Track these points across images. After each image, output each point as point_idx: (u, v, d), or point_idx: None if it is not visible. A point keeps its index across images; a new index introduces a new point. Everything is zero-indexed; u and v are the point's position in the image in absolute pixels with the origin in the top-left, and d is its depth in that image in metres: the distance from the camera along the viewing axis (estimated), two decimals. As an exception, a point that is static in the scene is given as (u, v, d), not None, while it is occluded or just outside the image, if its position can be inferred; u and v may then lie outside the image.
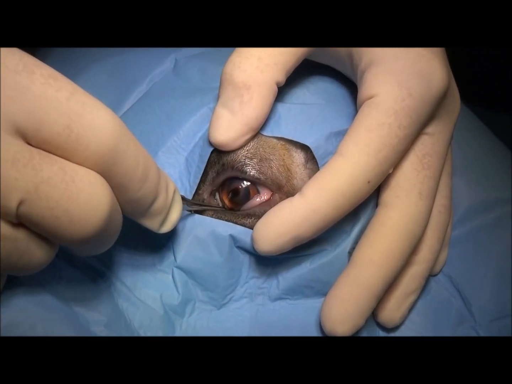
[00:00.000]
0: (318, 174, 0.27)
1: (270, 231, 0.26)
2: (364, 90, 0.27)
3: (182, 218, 0.29)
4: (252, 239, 0.28)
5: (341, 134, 0.29)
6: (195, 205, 0.29)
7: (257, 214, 0.29)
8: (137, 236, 0.29)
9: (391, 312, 0.30)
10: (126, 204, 0.24)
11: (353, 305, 0.27)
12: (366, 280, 0.27)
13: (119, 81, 0.32)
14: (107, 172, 0.22)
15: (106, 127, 0.21)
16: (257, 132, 0.29)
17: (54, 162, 0.20)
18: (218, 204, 0.30)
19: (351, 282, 0.27)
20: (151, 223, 0.25)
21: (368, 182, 0.26)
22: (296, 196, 0.27)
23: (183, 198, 0.28)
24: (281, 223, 0.26)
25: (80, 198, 0.20)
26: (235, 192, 0.29)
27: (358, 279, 0.27)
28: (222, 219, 0.29)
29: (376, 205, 0.30)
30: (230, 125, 0.27)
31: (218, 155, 0.29)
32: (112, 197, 0.22)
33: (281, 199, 0.29)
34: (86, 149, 0.21)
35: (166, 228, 0.26)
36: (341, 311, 0.27)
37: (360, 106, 0.28)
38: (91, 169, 0.21)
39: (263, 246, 0.27)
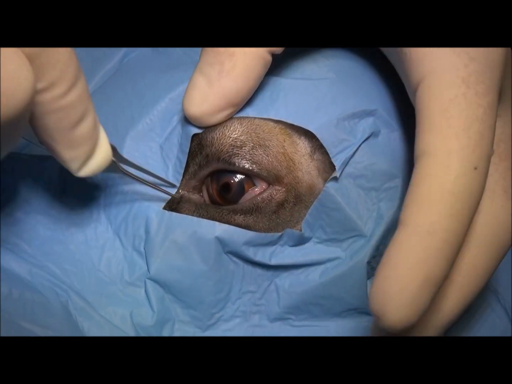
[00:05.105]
0: (409, 193, 0.23)
1: (396, 290, 0.22)
2: (414, 72, 0.24)
3: (154, 213, 0.26)
4: (372, 312, 0.22)
5: (355, 117, 0.26)
6: (129, 165, 0.26)
7: (245, 209, 0.27)
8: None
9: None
10: (49, 113, 0.21)
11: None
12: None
13: (88, 57, 0.30)
14: (36, 55, 0.20)
15: None
16: (240, 108, 0.26)
17: None
18: (204, 201, 0.27)
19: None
20: (71, 156, 0.23)
21: (475, 168, 0.23)
22: (398, 231, 0.23)
23: (114, 149, 0.25)
24: (402, 272, 0.22)
25: (4, 56, 0.18)
26: (226, 188, 0.27)
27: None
28: (204, 217, 0.27)
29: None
30: (205, 97, 0.25)
31: (200, 144, 0.26)
32: (34, 80, 0.20)
33: (279, 192, 0.27)
34: None
35: (88, 170, 0.24)
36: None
37: (414, 94, 0.24)
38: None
39: (396, 314, 0.22)
